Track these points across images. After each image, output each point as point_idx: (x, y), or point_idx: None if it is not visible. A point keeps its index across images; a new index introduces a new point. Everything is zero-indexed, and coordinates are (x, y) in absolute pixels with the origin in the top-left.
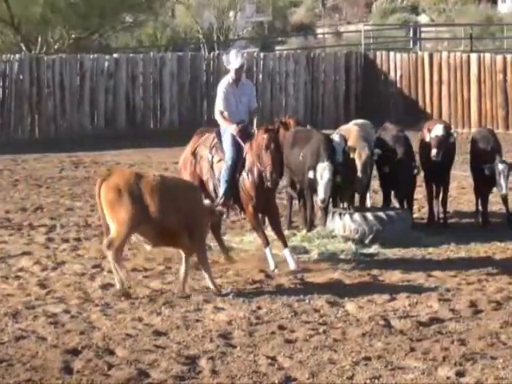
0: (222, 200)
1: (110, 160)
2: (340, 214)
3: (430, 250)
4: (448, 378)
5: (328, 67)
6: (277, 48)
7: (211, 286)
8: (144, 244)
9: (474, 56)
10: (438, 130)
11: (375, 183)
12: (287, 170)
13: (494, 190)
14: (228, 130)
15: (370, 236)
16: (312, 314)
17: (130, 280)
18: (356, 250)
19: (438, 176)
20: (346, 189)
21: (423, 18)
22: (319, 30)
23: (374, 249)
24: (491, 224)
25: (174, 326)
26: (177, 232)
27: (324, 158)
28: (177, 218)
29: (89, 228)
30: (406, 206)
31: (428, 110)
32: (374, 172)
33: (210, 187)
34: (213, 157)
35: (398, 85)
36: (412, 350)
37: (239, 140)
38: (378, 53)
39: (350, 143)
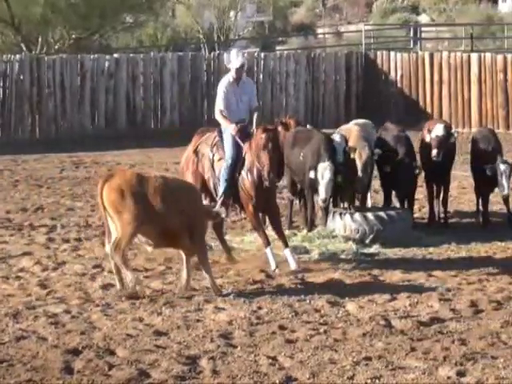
0: (222, 199)
1: (110, 160)
2: (341, 214)
3: (431, 249)
4: (449, 377)
5: (328, 67)
6: (277, 48)
7: (212, 287)
8: (145, 245)
9: (474, 56)
10: (438, 130)
11: (376, 183)
12: (287, 170)
13: (495, 189)
14: (228, 129)
15: (371, 236)
16: (313, 313)
17: (140, 282)
18: (357, 250)
19: (439, 176)
20: (346, 189)
21: (424, 18)
22: (320, 30)
23: (374, 249)
24: (492, 224)
25: (174, 326)
26: (178, 233)
27: (325, 158)
28: (178, 219)
29: (89, 228)
30: (406, 205)
31: (428, 109)
32: (375, 172)
33: (211, 186)
34: (214, 155)
35: (399, 85)
36: (413, 349)
37: (238, 140)
38: (378, 53)
39: (350, 143)
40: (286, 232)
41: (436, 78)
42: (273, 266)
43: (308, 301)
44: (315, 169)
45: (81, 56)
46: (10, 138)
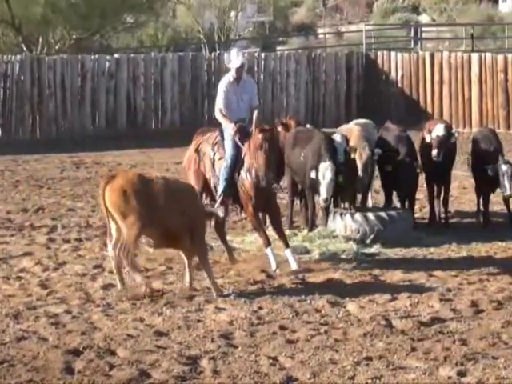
0: (221, 198)
1: (111, 160)
2: (341, 214)
3: (432, 249)
4: (449, 377)
5: (329, 67)
6: (278, 48)
7: (213, 287)
8: (146, 246)
9: (475, 56)
10: (438, 130)
11: (377, 183)
12: (288, 170)
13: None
14: (227, 128)
15: (372, 236)
16: (313, 314)
17: (151, 285)
18: (357, 250)
19: (439, 176)
20: (347, 189)
21: (424, 18)
22: (320, 30)
23: (375, 249)
24: (492, 224)
25: (175, 326)
26: (179, 234)
27: (326, 158)
28: (179, 220)
29: (90, 228)
30: (407, 205)
31: (429, 109)
32: (376, 172)
33: (212, 185)
34: (214, 154)
35: (399, 85)
36: (413, 349)
37: (236, 140)
38: (379, 53)
39: (351, 143)
40: (287, 232)
41: (436, 77)
42: (273, 266)
43: (309, 301)
44: (316, 169)
45: (81, 56)
46: (11, 138)
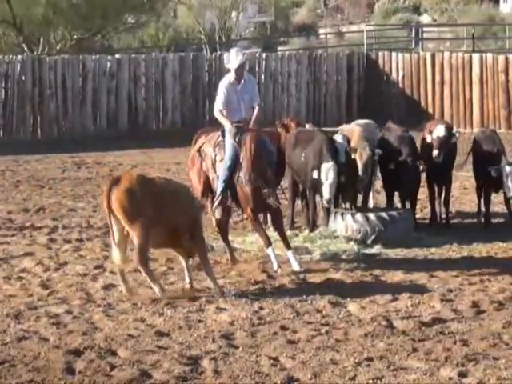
0: (219, 200)
1: (112, 161)
2: (342, 215)
3: (433, 250)
4: (450, 378)
5: (330, 67)
6: (279, 48)
7: (213, 287)
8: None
9: (476, 56)
10: (439, 131)
11: (378, 183)
12: (289, 171)
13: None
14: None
15: (372, 236)
16: (314, 314)
17: (165, 291)
18: (358, 251)
19: (440, 176)
20: (348, 189)
21: (425, 18)
22: (321, 31)
23: (376, 249)
24: (493, 224)
25: (176, 326)
26: (179, 233)
27: (328, 159)
28: (180, 219)
29: (91, 229)
30: (407, 206)
31: (430, 110)
32: (378, 173)
33: (214, 186)
34: (216, 155)
35: (400, 85)
36: (414, 350)
37: (233, 141)
38: (380, 53)
39: (352, 143)
40: (288, 232)
41: (437, 78)
42: (275, 265)
43: (309, 301)
44: (318, 169)
45: (82, 56)
46: (12, 138)
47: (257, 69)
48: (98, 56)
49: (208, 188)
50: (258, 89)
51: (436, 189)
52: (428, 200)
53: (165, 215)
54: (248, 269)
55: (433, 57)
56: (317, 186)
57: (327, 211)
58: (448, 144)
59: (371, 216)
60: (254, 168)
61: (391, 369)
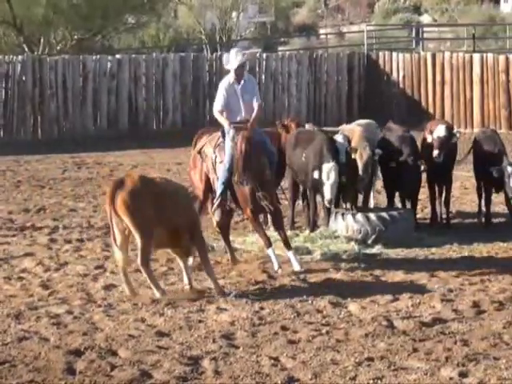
0: (218, 201)
1: (112, 161)
2: (343, 215)
3: (433, 250)
4: (451, 378)
5: (330, 68)
6: (279, 48)
7: (214, 287)
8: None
9: (476, 56)
10: (440, 131)
11: (379, 183)
12: (289, 171)
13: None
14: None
15: (373, 236)
16: (315, 314)
17: (166, 293)
18: (359, 251)
19: (441, 176)
20: (348, 189)
21: (426, 18)
22: (322, 31)
23: (376, 249)
24: (494, 224)
25: (176, 326)
26: (180, 233)
27: (329, 159)
28: (180, 219)
29: (91, 229)
30: (408, 206)
31: (431, 110)
32: (378, 173)
33: (215, 186)
34: (216, 157)
35: (401, 85)
36: (415, 350)
37: (231, 142)
38: (380, 53)
39: (353, 143)
40: (289, 233)
41: (438, 78)
42: (276, 266)
43: (310, 301)
44: (319, 169)
45: (83, 57)
46: (12, 138)
47: (257, 69)
48: (98, 56)
49: (209, 189)
50: (258, 88)
51: (436, 189)
52: (428, 200)
53: (166, 215)
54: (248, 269)
55: (433, 57)
56: (317, 186)
57: (328, 211)
58: (448, 144)
59: (372, 216)
60: (243, 168)
61: (392, 369)
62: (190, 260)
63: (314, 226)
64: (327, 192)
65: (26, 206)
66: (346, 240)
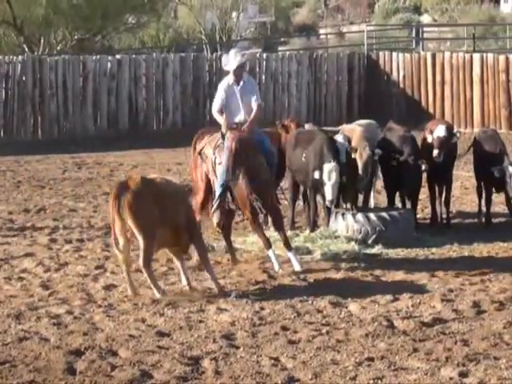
0: (217, 203)
1: (112, 161)
2: (343, 215)
3: (433, 250)
4: (451, 378)
5: (331, 68)
6: (279, 48)
7: (214, 285)
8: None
9: (476, 56)
10: (440, 131)
11: (378, 183)
12: (289, 171)
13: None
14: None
15: (373, 236)
16: (315, 314)
17: (166, 294)
18: (359, 251)
19: (441, 176)
20: (349, 189)
21: (426, 18)
22: (322, 31)
23: (376, 249)
24: (494, 224)
25: (177, 326)
26: (179, 232)
27: (330, 159)
28: (181, 219)
29: (92, 229)
30: (408, 206)
31: (431, 110)
32: (379, 173)
33: (214, 187)
34: (215, 158)
35: (401, 85)
36: (415, 350)
37: (227, 143)
38: (380, 53)
39: (353, 143)
40: (289, 233)
41: (438, 78)
42: (276, 267)
43: (310, 301)
44: (320, 169)
45: (83, 57)
46: (13, 138)
47: (257, 69)
48: (98, 56)
49: (210, 190)
50: (258, 89)
51: (436, 189)
52: (428, 200)
53: (167, 216)
54: (249, 269)
55: (433, 57)
56: (317, 186)
57: (328, 211)
58: (448, 144)
59: (372, 216)
60: (232, 166)
61: (392, 369)
62: (195, 258)
63: (314, 226)
64: (328, 192)
65: (27, 207)
66: (347, 240)
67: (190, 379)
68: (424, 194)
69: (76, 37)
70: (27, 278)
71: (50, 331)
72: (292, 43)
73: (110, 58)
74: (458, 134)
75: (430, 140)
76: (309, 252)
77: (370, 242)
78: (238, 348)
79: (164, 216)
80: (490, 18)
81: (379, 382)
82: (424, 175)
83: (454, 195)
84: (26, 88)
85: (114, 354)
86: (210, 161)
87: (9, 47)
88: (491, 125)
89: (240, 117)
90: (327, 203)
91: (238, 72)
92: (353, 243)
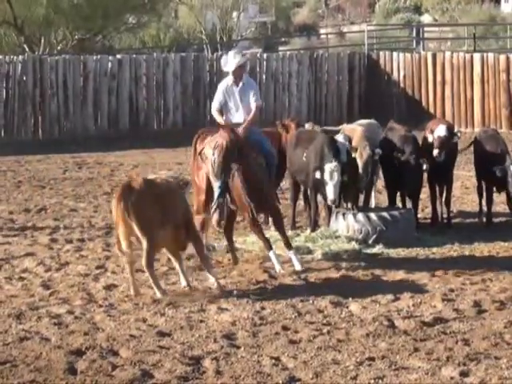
0: (216, 204)
1: (113, 161)
2: (344, 214)
3: (434, 249)
4: (452, 378)
5: (331, 67)
6: (280, 48)
7: (211, 280)
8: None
9: (477, 56)
10: (440, 131)
11: (379, 183)
12: (290, 171)
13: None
14: None
15: (374, 236)
16: (316, 314)
17: (167, 294)
18: (360, 250)
19: (441, 176)
20: (349, 189)
21: (426, 18)
22: (322, 31)
23: (377, 249)
24: (495, 224)
25: (177, 326)
26: (179, 231)
27: (331, 159)
28: (179, 218)
29: (92, 229)
30: (408, 205)
31: (431, 109)
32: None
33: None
34: (215, 159)
35: (402, 85)
36: (416, 350)
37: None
38: (381, 53)
39: (353, 143)
40: (289, 232)
41: (439, 78)
42: (277, 268)
43: (311, 301)
44: (321, 169)
45: (83, 57)
46: (13, 138)
47: (258, 69)
48: (99, 56)
49: (211, 191)
50: (257, 89)
51: (437, 188)
52: (429, 200)
53: (169, 215)
54: (249, 269)
55: (434, 57)
56: (318, 186)
57: (329, 211)
58: (449, 144)
59: (373, 216)
60: (221, 164)
61: (393, 368)
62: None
63: (314, 226)
64: (330, 192)
65: (27, 206)
66: (347, 240)
67: (190, 379)
68: (425, 193)
69: (76, 37)
70: (28, 277)
71: (50, 331)
72: (292, 43)
73: (110, 57)
74: (459, 134)
75: (430, 139)
76: (309, 252)
77: (370, 241)
78: (238, 348)
79: (165, 216)
80: (490, 18)
81: (380, 381)
82: (425, 175)
83: (455, 195)
84: (26, 88)
85: (115, 353)
86: (209, 161)
87: (9, 47)
88: (492, 124)
89: (239, 118)
90: (329, 203)
91: (238, 73)
92: (353, 243)
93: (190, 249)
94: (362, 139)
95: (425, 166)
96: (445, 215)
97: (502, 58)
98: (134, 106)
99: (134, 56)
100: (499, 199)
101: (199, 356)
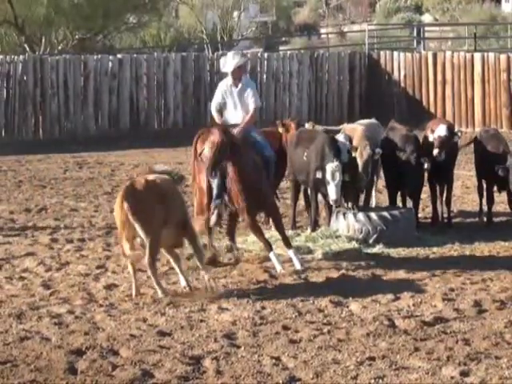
0: (215, 205)
1: (113, 161)
2: (344, 214)
3: (434, 249)
4: (452, 377)
5: (332, 67)
6: (281, 48)
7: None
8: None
9: (477, 55)
10: (441, 130)
11: (380, 183)
12: (291, 170)
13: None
14: None
15: (374, 236)
16: (316, 314)
17: (169, 294)
18: (360, 250)
19: (442, 175)
20: (350, 188)
21: (427, 18)
22: (323, 30)
23: (377, 248)
24: (495, 223)
25: (178, 326)
26: (178, 230)
27: (332, 158)
28: (179, 216)
29: (93, 229)
30: (408, 205)
31: (432, 109)
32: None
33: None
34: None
35: (402, 84)
36: (416, 349)
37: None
38: (381, 52)
39: (354, 142)
40: (290, 232)
41: (439, 77)
42: (278, 268)
43: (311, 301)
44: (322, 169)
45: (84, 56)
46: (14, 138)
47: (258, 69)
48: (99, 56)
49: (212, 191)
50: (257, 90)
51: (437, 188)
52: (429, 199)
53: (169, 215)
54: (250, 268)
55: (434, 56)
56: (319, 186)
57: (329, 211)
58: (449, 143)
59: (373, 215)
60: (212, 161)
61: (393, 368)
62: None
63: (315, 226)
64: (332, 192)
65: (28, 206)
66: (348, 239)
67: (191, 379)
68: (425, 193)
69: (77, 36)
70: (28, 277)
71: (51, 331)
72: (293, 43)
73: (111, 57)
74: (460, 134)
75: (431, 139)
76: (310, 251)
77: (371, 241)
78: (239, 347)
79: (166, 215)
80: (491, 18)
81: (380, 381)
82: (425, 175)
83: (455, 194)
84: (27, 87)
85: (115, 353)
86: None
87: (10, 47)
88: (492, 124)
89: (238, 118)
90: (331, 203)
91: (237, 74)
92: (354, 243)
93: (190, 249)
94: (362, 139)
95: (426, 166)
96: (445, 215)
97: (503, 57)
98: (135, 105)
99: (135, 56)
100: (499, 199)
101: (199, 356)
